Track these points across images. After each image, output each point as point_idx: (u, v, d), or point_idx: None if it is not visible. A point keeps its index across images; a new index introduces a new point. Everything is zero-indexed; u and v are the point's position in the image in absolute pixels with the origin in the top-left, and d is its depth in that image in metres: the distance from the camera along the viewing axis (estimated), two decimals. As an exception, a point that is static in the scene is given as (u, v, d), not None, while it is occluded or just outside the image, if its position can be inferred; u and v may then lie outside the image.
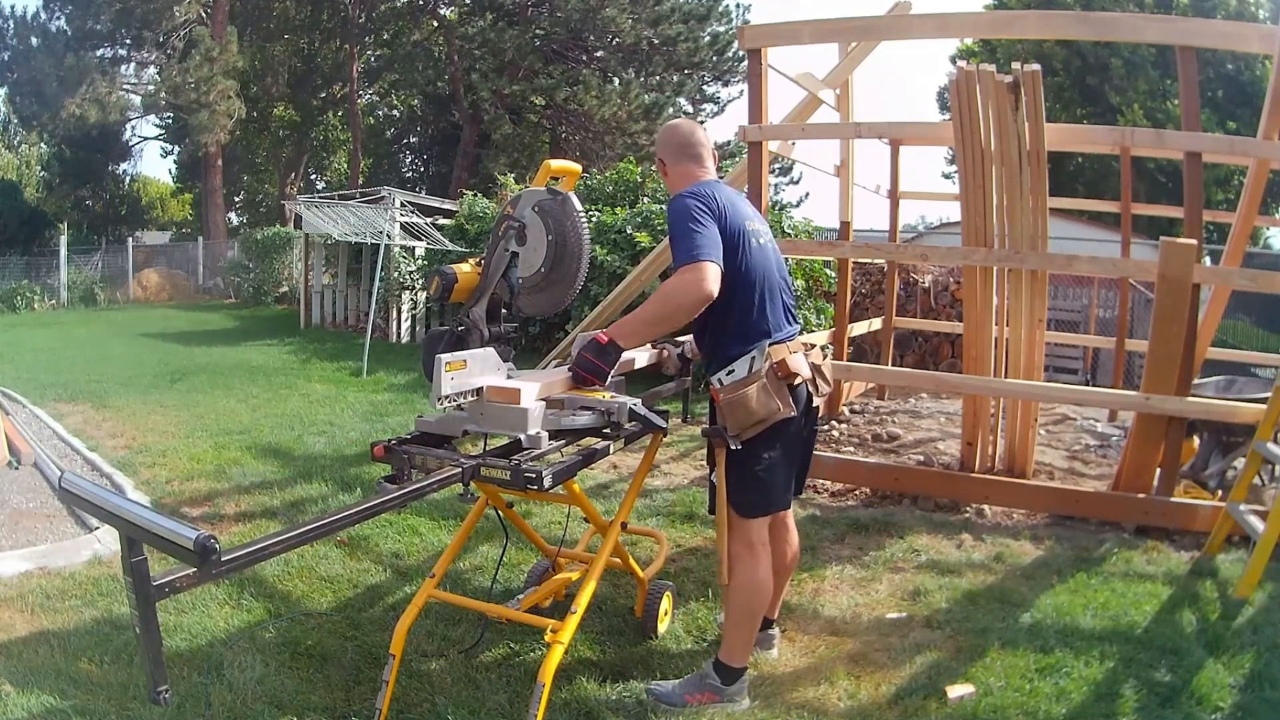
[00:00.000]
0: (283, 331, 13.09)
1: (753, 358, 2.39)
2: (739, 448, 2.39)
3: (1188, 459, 4.65)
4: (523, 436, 2.32)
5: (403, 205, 12.29)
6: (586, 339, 2.38)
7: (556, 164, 2.70)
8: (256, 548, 1.63)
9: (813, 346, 2.60)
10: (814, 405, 2.57)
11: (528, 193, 2.69)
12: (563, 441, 2.44)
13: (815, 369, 2.53)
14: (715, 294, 2.28)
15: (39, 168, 26.18)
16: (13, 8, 32.00)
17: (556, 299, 2.73)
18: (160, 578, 1.50)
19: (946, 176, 20.66)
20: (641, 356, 2.87)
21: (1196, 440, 4.76)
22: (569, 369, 2.42)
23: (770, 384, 2.36)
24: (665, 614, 2.98)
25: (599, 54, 21.16)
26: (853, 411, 6.84)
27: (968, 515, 4.37)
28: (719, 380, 2.43)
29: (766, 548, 2.52)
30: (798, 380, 2.43)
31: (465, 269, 2.69)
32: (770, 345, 2.42)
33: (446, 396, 2.25)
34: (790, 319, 2.56)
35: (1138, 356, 7.22)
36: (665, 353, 2.95)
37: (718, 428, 2.44)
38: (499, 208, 11.66)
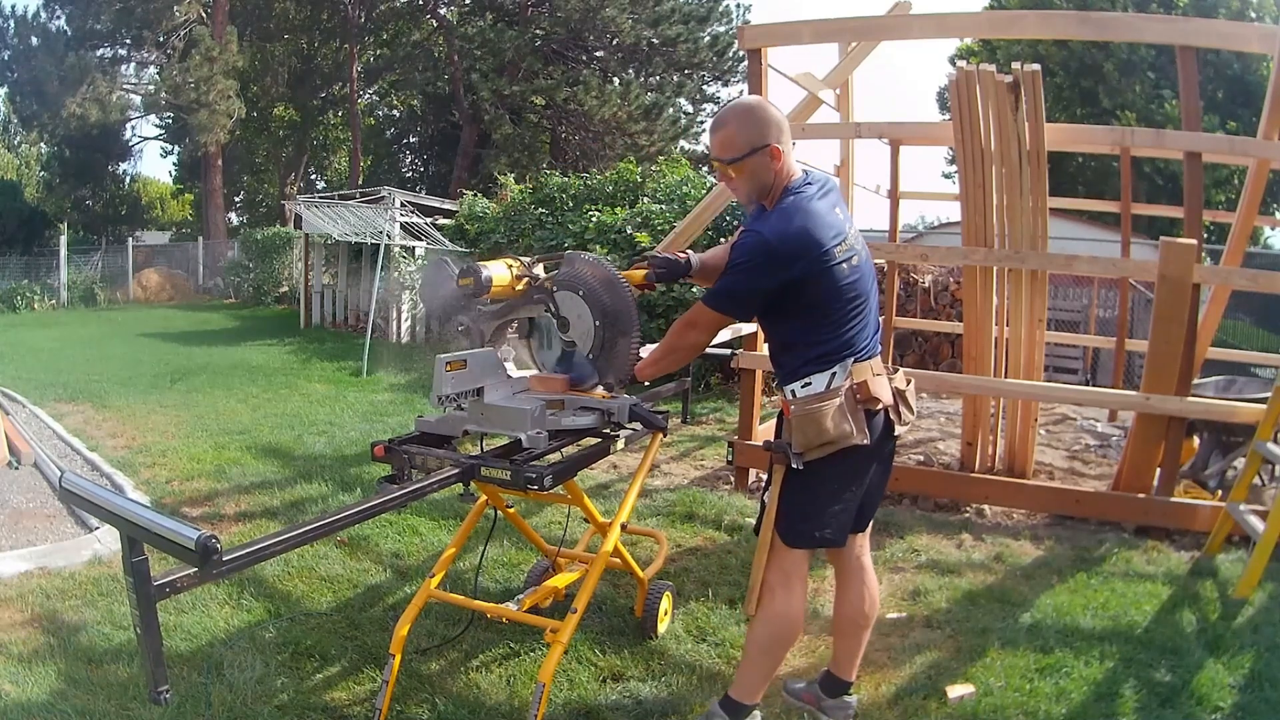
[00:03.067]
0: (283, 331, 13.09)
1: (833, 373, 2.18)
2: (800, 468, 2.18)
3: (1188, 459, 4.65)
4: (523, 436, 2.32)
5: (403, 205, 12.30)
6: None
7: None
8: (257, 548, 1.63)
9: (897, 370, 2.40)
10: (894, 435, 2.31)
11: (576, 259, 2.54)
12: (563, 441, 2.44)
13: (898, 395, 2.30)
14: (704, 346, 2.36)
15: (39, 168, 26.22)
16: (13, 7, 32.02)
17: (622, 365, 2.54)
18: (161, 578, 1.50)
19: (946, 176, 20.65)
20: None
21: (1196, 440, 4.76)
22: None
23: (848, 405, 2.15)
24: (665, 614, 2.98)
25: (599, 54, 21.17)
26: (853, 411, 6.81)
27: (968, 515, 4.37)
28: (792, 392, 2.22)
29: (804, 583, 2.31)
30: (878, 406, 2.21)
31: (501, 273, 2.44)
32: (854, 363, 2.20)
33: (447, 396, 2.25)
34: (874, 336, 2.31)
35: (1138, 356, 7.22)
36: None
37: (782, 442, 2.24)
38: (499, 207, 11.68)
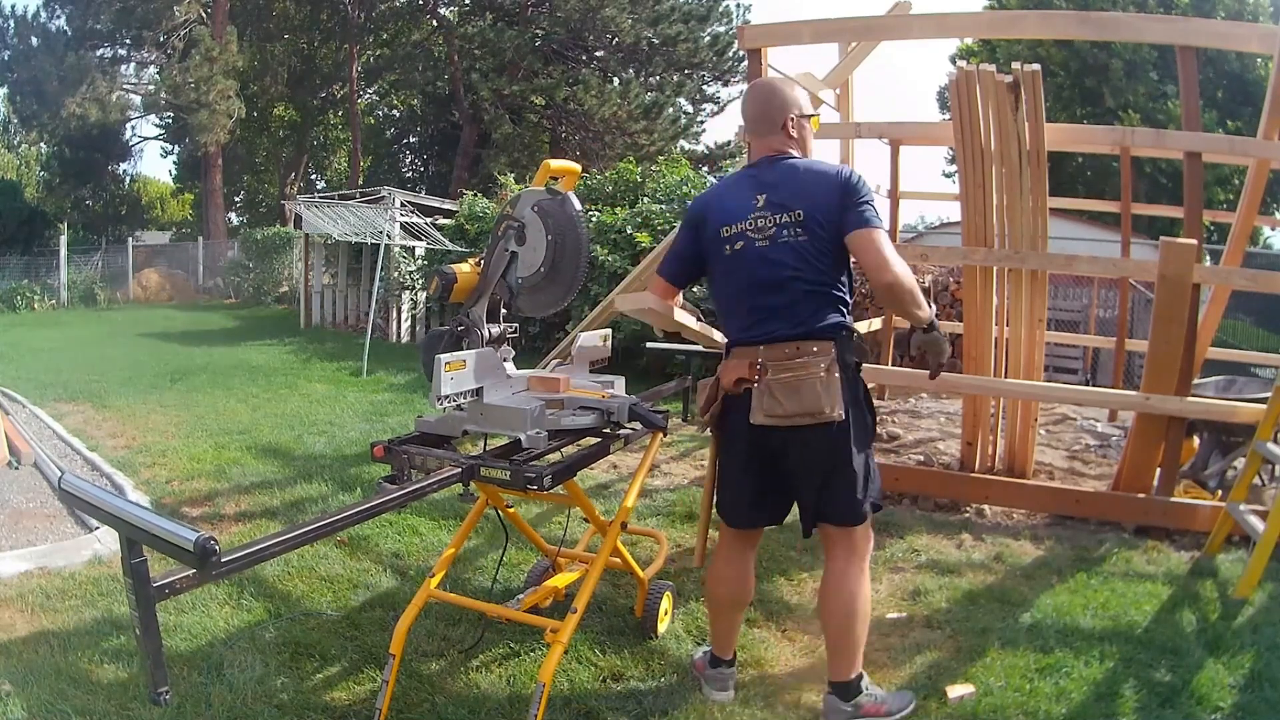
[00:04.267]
0: (283, 331, 13.10)
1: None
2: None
3: (1188, 459, 4.65)
4: (523, 436, 2.32)
5: (403, 205, 12.29)
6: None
7: (556, 164, 2.70)
8: (257, 548, 1.63)
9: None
10: (770, 429, 2.26)
11: (527, 193, 2.70)
12: (562, 441, 2.44)
13: (756, 372, 2.29)
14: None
15: (39, 168, 26.22)
16: (13, 7, 32.00)
17: (556, 299, 2.73)
18: (160, 579, 1.50)
19: (947, 176, 20.64)
20: (690, 320, 2.77)
21: (1196, 440, 4.75)
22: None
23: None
24: (665, 614, 2.98)
25: (599, 54, 21.17)
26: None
27: (968, 515, 4.37)
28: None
29: (727, 550, 2.50)
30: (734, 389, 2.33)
31: (465, 269, 2.70)
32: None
33: (446, 396, 2.25)
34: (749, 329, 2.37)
35: (1138, 356, 7.22)
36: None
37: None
38: (499, 208, 11.67)
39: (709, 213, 2.39)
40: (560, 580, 2.93)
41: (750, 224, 2.30)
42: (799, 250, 2.25)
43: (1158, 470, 4.18)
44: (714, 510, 2.48)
